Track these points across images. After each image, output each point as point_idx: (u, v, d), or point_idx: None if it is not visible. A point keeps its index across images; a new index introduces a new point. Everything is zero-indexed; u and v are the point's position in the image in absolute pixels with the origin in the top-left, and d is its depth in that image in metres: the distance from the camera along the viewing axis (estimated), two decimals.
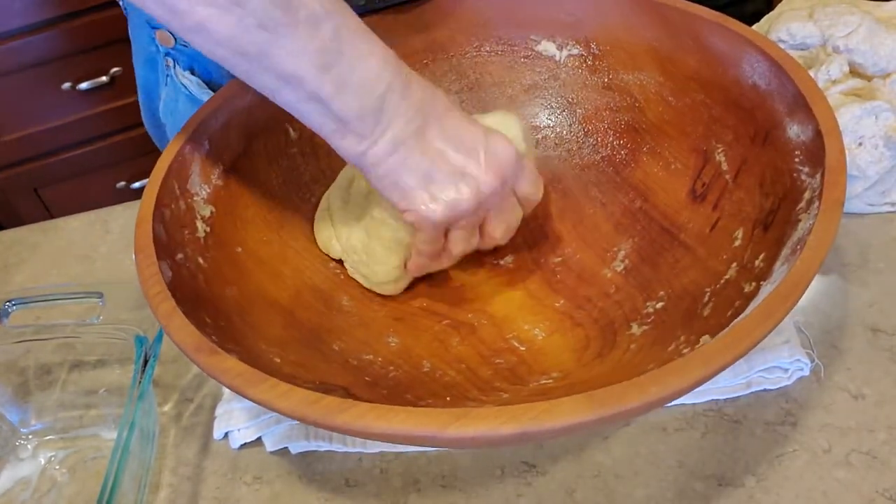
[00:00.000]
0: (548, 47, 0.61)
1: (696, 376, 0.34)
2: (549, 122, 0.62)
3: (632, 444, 0.48)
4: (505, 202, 0.48)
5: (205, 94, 0.66)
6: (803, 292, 0.36)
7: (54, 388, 0.56)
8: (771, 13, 0.67)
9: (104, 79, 1.31)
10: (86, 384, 0.56)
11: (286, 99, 0.42)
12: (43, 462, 0.53)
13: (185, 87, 0.66)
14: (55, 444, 0.54)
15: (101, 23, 1.27)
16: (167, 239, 0.45)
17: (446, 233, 0.48)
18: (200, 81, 0.66)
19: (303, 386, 0.40)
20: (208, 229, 0.49)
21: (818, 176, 0.43)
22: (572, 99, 0.61)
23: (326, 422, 0.34)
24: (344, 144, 0.43)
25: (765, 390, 0.49)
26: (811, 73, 0.58)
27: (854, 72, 0.61)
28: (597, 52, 0.60)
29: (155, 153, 0.49)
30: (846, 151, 0.42)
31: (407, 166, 0.44)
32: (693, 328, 0.44)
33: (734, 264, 0.47)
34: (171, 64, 0.67)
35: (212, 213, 0.50)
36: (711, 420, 0.49)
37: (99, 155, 1.41)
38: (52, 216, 1.40)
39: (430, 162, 0.44)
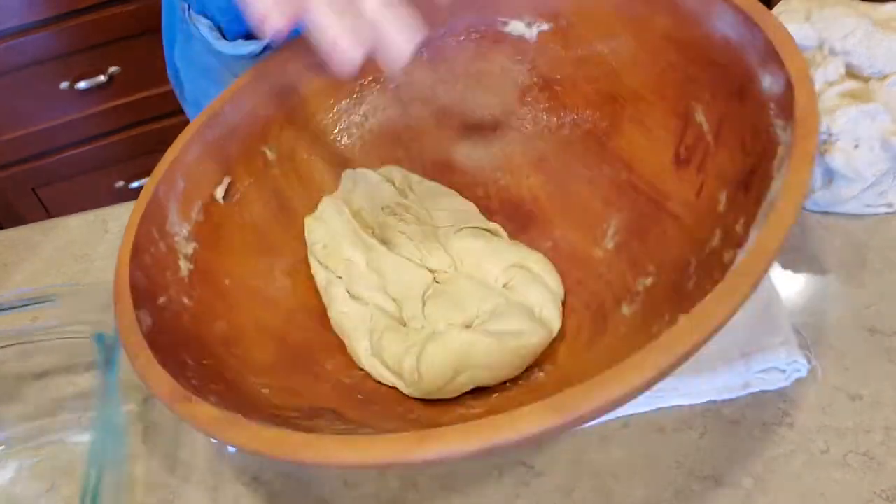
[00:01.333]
0: (516, 27, 0.60)
1: (657, 368, 0.32)
2: (528, 102, 0.60)
3: (630, 445, 0.48)
4: None
5: (216, 40, 0.67)
6: (769, 263, 0.35)
7: (14, 398, 0.56)
8: None
9: (102, 78, 1.31)
10: (46, 390, 0.56)
11: None
12: (12, 473, 0.53)
13: (198, 30, 0.68)
14: (22, 454, 0.54)
15: (99, 22, 1.27)
16: (147, 284, 0.46)
17: None
18: (212, 25, 0.67)
19: (290, 416, 0.40)
20: (192, 266, 0.50)
21: (789, 128, 0.41)
22: (548, 76, 0.59)
23: (295, 458, 0.34)
24: None
25: (763, 391, 0.49)
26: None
27: (851, 74, 0.59)
28: (566, 24, 0.58)
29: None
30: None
31: None
32: (678, 306, 0.42)
33: (718, 230, 0.45)
34: (185, 8, 0.69)
35: (195, 249, 0.51)
36: (709, 421, 0.48)
37: (97, 154, 1.42)
38: (50, 215, 1.42)
39: None
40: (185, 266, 0.50)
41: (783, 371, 0.48)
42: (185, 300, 0.48)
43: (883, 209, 0.57)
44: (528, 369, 0.46)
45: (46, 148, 1.39)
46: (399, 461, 0.32)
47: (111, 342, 0.50)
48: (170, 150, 0.52)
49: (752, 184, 0.44)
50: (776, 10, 0.65)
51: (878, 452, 0.45)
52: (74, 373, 0.56)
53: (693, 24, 0.51)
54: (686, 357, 0.33)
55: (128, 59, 1.31)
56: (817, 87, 0.58)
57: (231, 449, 0.53)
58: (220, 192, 0.54)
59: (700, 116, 0.51)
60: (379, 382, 0.47)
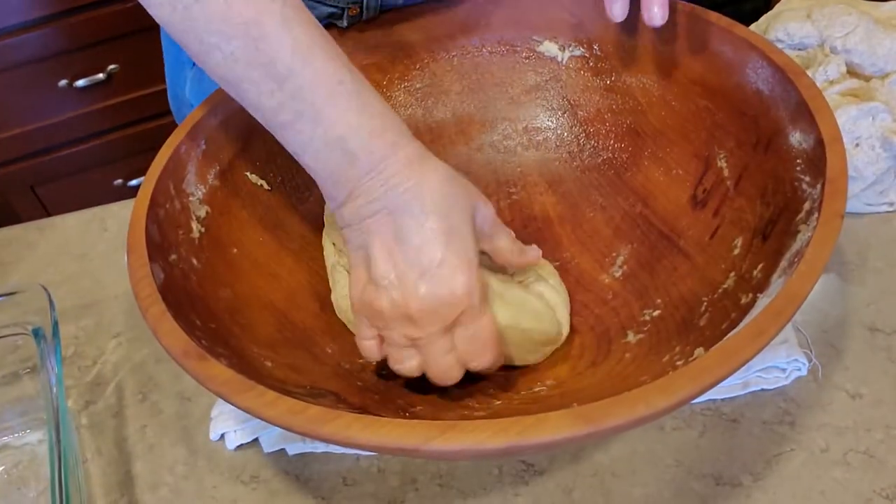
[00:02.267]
0: (550, 48, 0.61)
1: (682, 395, 0.33)
2: (550, 123, 0.61)
3: (629, 444, 0.48)
4: (434, 343, 0.41)
5: None
6: (797, 309, 0.36)
7: None
8: (769, 13, 0.67)
9: (101, 76, 1.31)
10: None
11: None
12: None
13: None
14: None
15: (98, 20, 1.26)
16: (161, 239, 0.45)
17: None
18: None
19: (293, 391, 0.40)
20: (203, 230, 0.49)
21: (819, 186, 0.42)
22: (574, 101, 0.60)
23: (311, 432, 0.33)
24: (324, 193, 0.44)
25: (762, 390, 0.49)
26: (808, 72, 0.57)
27: (852, 72, 0.60)
28: (599, 53, 0.59)
29: (153, 150, 0.49)
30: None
31: (357, 244, 0.42)
32: (689, 339, 0.43)
33: (732, 274, 0.46)
34: None
35: (207, 213, 0.50)
36: (709, 419, 0.49)
37: (96, 152, 1.41)
38: (48, 214, 1.42)
39: (373, 253, 0.41)
40: (196, 228, 0.49)
41: (783, 370, 0.48)
42: (195, 262, 0.47)
43: (884, 208, 0.58)
44: (530, 383, 0.46)
45: (45, 146, 1.39)
46: (420, 448, 0.32)
47: (49, 337, 0.49)
48: (196, 108, 0.52)
49: (771, 234, 0.45)
50: (778, 7, 0.66)
51: (878, 451, 0.46)
52: (15, 375, 0.55)
53: (727, 73, 0.53)
54: (708, 388, 0.34)
55: (126, 57, 1.31)
56: (818, 84, 0.57)
57: (231, 446, 0.52)
58: (234, 163, 0.53)
59: (722, 162, 0.52)
60: (379, 373, 0.47)
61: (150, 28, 1.23)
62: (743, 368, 0.48)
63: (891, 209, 0.59)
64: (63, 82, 1.30)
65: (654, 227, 0.53)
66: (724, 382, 0.48)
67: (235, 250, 0.50)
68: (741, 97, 0.52)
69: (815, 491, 0.45)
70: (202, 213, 0.50)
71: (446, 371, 0.42)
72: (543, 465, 0.48)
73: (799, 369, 0.49)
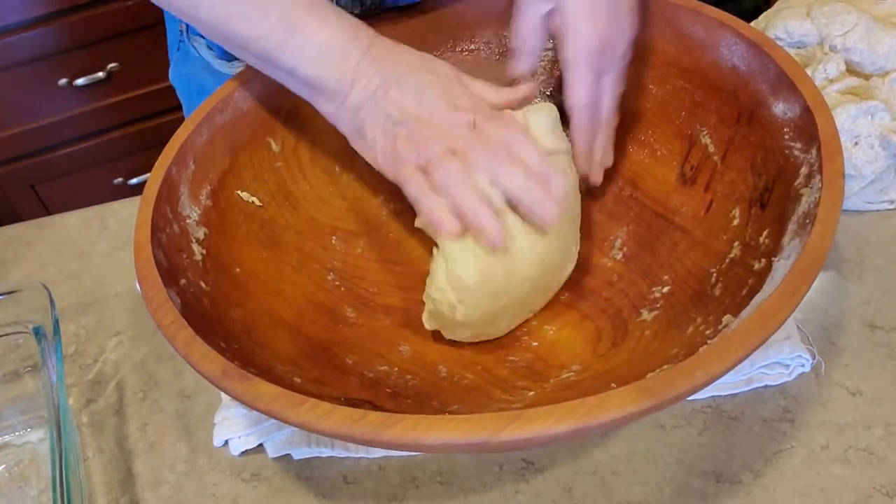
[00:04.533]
0: None
1: (735, 358, 0.34)
2: None
3: (630, 442, 0.48)
4: (469, 140, 0.45)
5: (214, 59, 0.67)
6: (822, 264, 0.37)
7: None
8: (769, 10, 0.67)
9: (101, 75, 1.30)
10: None
11: (266, 70, 0.49)
12: None
13: (196, 50, 0.68)
14: None
15: (97, 18, 1.26)
16: (168, 264, 0.43)
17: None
18: (210, 45, 0.67)
19: (331, 403, 0.39)
20: (204, 252, 0.48)
21: (814, 150, 0.44)
22: (551, 93, 0.61)
23: (375, 438, 0.33)
24: (320, 106, 0.49)
25: (766, 386, 0.49)
26: (808, 71, 0.58)
27: (852, 70, 0.60)
28: None
29: (153, 148, 0.48)
30: (843, 150, 0.43)
31: (368, 119, 0.47)
32: (708, 309, 0.44)
33: (736, 243, 0.47)
34: (183, 29, 0.69)
35: (205, 234, 0.49)
36: (709, 417, 0.49)
37: (96, 151, 1.41)
38: (48, 212, 1.41)
39: (386, 115, 0.46)
40: (198, 250, 0.47)
41: (787, 366, 0.49)
42: (203, 284, 0.45)
43: (884, 206, 0.58)
44: (556, 370, 0.46)
45: (45, 145, 1.37)
46: (490, 440, 0.32)
47: (50, 336, 0.49)
48: (181, 128, 0.50)
49: (769, 201, 0.47)
50: (777, 5, 0.67)
51: (878, 448, 0.46)
52: (16, 374, 0.55)
53: (700, 52, 0.54)
54: (755, 349, 0.35)
55: (126, 56, 1.30)
56: (817, 83, 0.58)
57: (235, 452, 0.51)
58: (224, 180, 0.52)
59: (706, 139, 0.54)
60: (404, 377, 0.46)
61: (149, 26, 1.25)
62: (747, 365, 0.50)
63: (891, 207, 0.59)
64: (63, 81, 1.30)
65: (646, 208, 0.55)
66: (726, 379, 0.49)
67: (238, 270, 0.49)
68: (717, 74, 0.53)
69: (816, 488, 0.45)
70: (201, 235, 0.48)
71: (496, 164, 0.44)
72: (544, 462, 0.48)
73: (802, 365, 0.49)
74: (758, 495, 0.45)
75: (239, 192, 0.53)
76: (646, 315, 0.48)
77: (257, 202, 0.53)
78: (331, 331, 0.49)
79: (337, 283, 0.53)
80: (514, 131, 0.46)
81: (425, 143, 0.44)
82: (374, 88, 0.47)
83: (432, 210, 0.44)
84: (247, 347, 0.43)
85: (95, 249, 0.67)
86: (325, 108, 0.49)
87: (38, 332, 0.51)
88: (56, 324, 0.50)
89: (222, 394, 0.52)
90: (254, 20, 0.46)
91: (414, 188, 0.44)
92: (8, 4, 1.19)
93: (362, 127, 0.47)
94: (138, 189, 1.42)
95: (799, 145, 0.46)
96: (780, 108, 0.49)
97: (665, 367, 0.39)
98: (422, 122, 0.45)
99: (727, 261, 0.47)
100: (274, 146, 0.56)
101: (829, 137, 0.44)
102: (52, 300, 0.52)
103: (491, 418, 0.32)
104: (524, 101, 0.50)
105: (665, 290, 0.49)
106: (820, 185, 0.41)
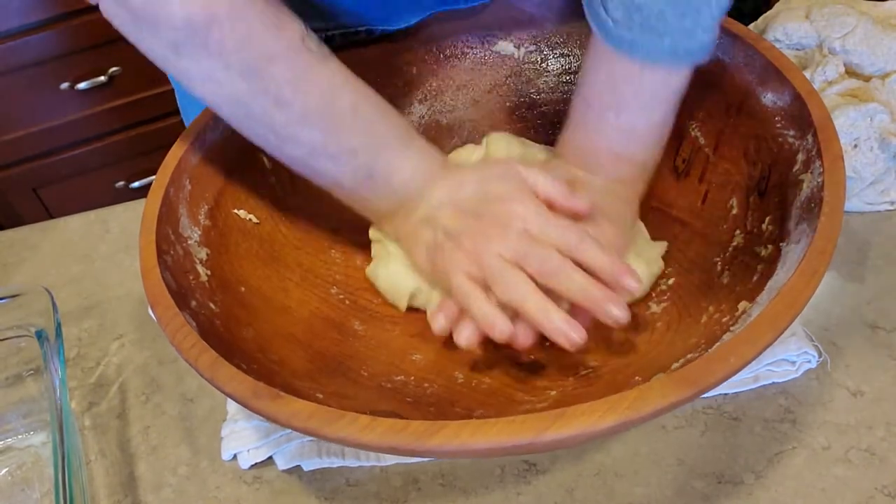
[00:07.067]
0: (505, 47, 0.62)
1: (765, 341, 0.35)
2: (516, 120, 0.62)
3: (631, 443, 0.48)
4: (531, 245, 0.44)
5: None
6: (835, 245, 0.38)
7: None
8: (768, 12, 0.67)
9: (103, 78, 1.29)
10: None
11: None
12: None
13: None
14: None
15: (99, 22, 1.21)
16: (177, 287, 0.43)
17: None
18: None
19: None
20: (209, 272, 0.47)
21: (809, 137, 0.45)
22: (535, 94, 0.62)
23: (419, 447, 0.32)
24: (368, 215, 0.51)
25: (773, 383, 0.49)
26: (806, 73, 0.58)
27: (851, 72, 0.61)
28: (554, 44, 0.61)
29: (154, 152, 0.48)
30: (842, 153, 0.44)
31: (422, 227, 0.48)
32: (719, 297, 0.45)
33: (738, 231, 0.48)
34: None
35: (208, 255, 0.48)
36: (711, 418, 0.49)
37: (98, 155, 1.40)
38: (51, 216, 1.38)
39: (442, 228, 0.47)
40: (203, 272, 0.46)
41: (793, 363, 0.49)
42: (212, 306, 0.44)
43: (885, 206, 0.58)
44: (574, 368, 0.46)
45: (47, 148, 1.36)
46: (535, 441, 0.32)
47: (52, 339, 0.49)
48: (174, 148, 0.49)
49: (767, 188, 0.48)
50: (776, 7, 0.67)
51: (879, 448, 0.46)
52: (18, 377, 0.54)
53: None
54: (782, 332, 0.35)
55: (128, 60, 1.29)
56: (816, 86, 0.58)
57: (245, 466, 0.49)
58: (220, 199, 0.51)
59: (695, 132, 0.54)
60: (422, 386, 0.46)
61: None
62: (754, 362, 0.50)
63: (892, 207, 0.58)
64: (65, 85, 1.29)
65: (643, 202, 0.55)
66: (733, 377, 0.49)
67: (243, 289, 0.48)
68: (702, 68, 0.54)
69: (817, 489, 0.45)
70: (203, 256, 0.47)
71: (557, 270, 0.43)
72: (545, 464, 0.48)
73: (809, 361, 0.49)
74: (759, 496, 0.45)
75: (236, 210, 0.52)
76: (655, 308, 0.49)
77: (254, 219, 0.53)
78: (341, 344, 0.49)
79: (341, 296, 0.52)
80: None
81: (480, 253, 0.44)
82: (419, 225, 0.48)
83: (486, 317, 0.43)
84: (265, 366, 0.42)
85: (97, 253, 0.66)
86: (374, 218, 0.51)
87: (40, 336, 0.51)
88: (58, 327, 0.50)
89: (228, 407, 0.51)
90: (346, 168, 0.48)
91: (465, 298, 0.44)
92: (10, 8, 1.19)
93: (416, 230, 0.48)
94: (140, 192, 1.41)
95: (792, 132, 0.47)
96: (770, 98, 0.50)
97: (689, 355, 0.40)
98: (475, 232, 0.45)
99: (730, 249, 0.48)
100: (266, 162, 0.55)
101: (823, 122, 0.45)
102: (54, 303, 0.51)
103: (534, 419, 0.32)
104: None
105: (670, 281, 0.50)
106: (821, 170, 0.42)
